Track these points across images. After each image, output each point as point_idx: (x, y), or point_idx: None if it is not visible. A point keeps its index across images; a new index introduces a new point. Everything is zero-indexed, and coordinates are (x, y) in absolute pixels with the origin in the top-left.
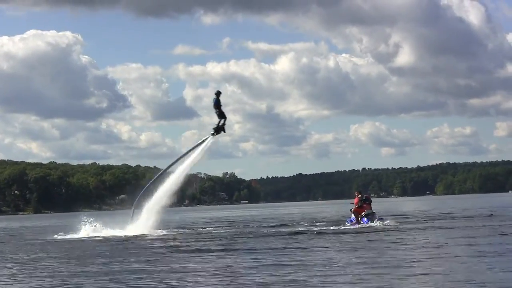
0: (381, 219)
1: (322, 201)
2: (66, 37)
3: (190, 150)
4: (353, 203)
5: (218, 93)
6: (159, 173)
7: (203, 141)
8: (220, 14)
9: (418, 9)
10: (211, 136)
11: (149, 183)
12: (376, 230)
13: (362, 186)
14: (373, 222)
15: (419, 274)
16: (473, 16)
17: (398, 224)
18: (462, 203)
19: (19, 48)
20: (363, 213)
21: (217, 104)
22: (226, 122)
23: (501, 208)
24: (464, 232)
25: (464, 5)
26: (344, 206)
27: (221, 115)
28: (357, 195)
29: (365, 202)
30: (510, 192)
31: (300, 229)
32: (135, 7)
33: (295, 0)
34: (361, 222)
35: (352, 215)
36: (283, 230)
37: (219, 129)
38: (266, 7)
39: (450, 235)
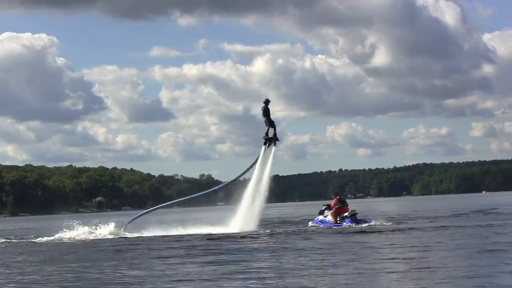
0: (361, 219)
1: (299, 202)
2: (41, 39)
3: (248, 169)
4: (327, 205)
5: (267, 102)
6: (209, 190)
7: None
8: (196, 16)
9: (394, 10)
10: (264, 147)
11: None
12: (364, 231)
13: (339, 187)
14: (357, 222)
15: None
16: (449, 16)
17: (388, 223)
18: (441, 203)
19: None
20: (346, 214)
21: (266, 113)
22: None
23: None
24: (451, 231)
25: (440, 6)
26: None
27: (271, 124)
28: (335, 196)
29: (343, 204)
30: (484, 192)
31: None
32: (111, 9)
33: (271, 1)
34: (344, 222)
35: (320, 217)
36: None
37: (271, 139)
38: (242, 9)
39: (437, 234)
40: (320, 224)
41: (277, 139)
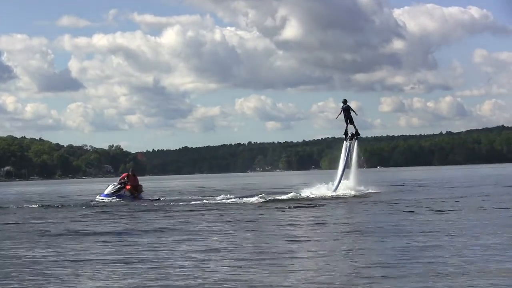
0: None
1: (208, 174)
2: None
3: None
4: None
5: (345, 101)
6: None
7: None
8: None
9: None
10: (345, 142)
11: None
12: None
13: (248, 160)
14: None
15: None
16: None
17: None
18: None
19: None
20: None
21: (348, 111)
22: None
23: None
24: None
25: None
26: (230, 180)
27: (351, 121)
28: (132, 173)
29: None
30: (378, 168)
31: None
32: None
33: None
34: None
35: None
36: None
37: (353, 135)
38: None
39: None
40: (116, 198)
41: (358, 134)
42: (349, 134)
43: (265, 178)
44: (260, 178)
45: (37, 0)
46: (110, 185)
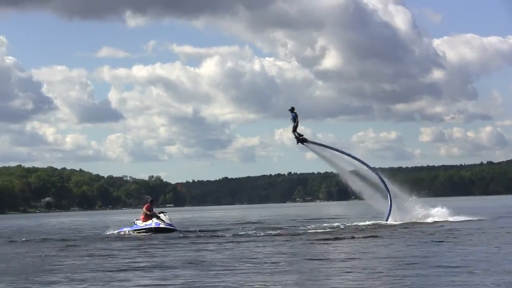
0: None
1: (248, 205)
2: None
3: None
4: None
5: (292, 109)
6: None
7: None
8: (146, 16)
9: (345, 13)
10: (308, 147)
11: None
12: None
13: (287, 191)
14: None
15: None
16: (400, 21)
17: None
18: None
19: None
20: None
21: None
22: None
23: None
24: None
25: (390, 10)
26: (270, 210)
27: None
28: (150, 203)
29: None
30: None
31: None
32: (64, 8)
33: (222, 2)
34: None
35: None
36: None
37: (302, 138)
38: (193, 10)
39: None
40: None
41: (294, 130)
42: (301, 137)
43: (303, 209)
44: (298, 209)
45: (76, 32)
46: (162, 214)
